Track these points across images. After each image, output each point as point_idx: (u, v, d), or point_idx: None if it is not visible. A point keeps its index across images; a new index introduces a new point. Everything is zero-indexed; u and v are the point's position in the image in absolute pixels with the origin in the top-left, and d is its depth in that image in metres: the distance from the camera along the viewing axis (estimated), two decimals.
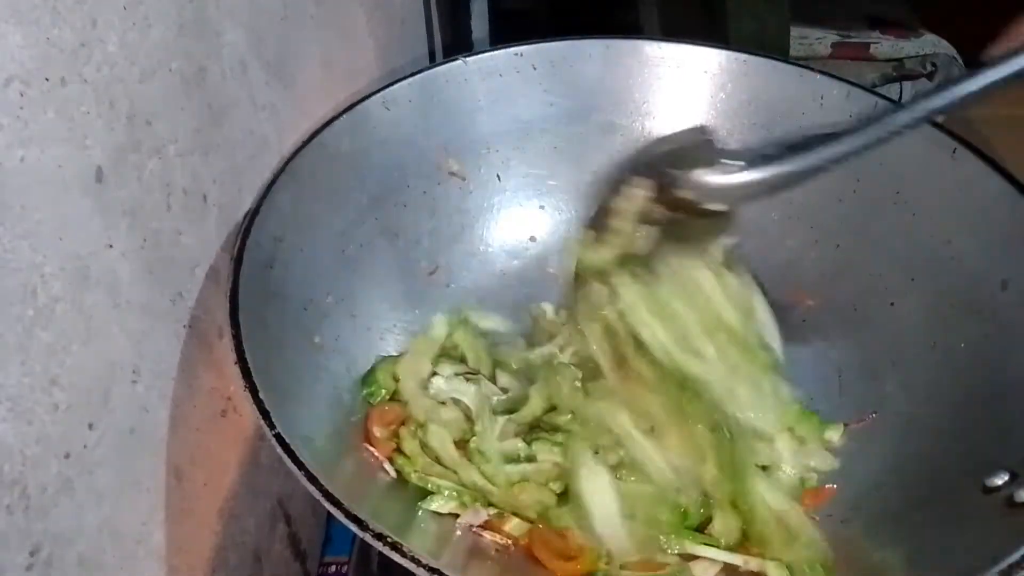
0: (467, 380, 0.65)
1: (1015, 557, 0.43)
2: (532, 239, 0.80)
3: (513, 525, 0.56)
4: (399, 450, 0.59)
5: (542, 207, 0.81)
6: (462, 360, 0.68)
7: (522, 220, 0.80)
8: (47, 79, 0.37)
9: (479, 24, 1.07)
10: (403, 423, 0.61)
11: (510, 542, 0.54)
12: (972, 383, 0.59)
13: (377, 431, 0.59)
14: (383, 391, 0.63)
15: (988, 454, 0.53)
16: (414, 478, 0.57)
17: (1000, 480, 0.51)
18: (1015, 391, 0.55)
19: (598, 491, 0.56)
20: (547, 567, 0.54)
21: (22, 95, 0.35)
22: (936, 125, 0.68)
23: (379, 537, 0.42)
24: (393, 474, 0.57)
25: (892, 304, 0.67)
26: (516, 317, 0.74)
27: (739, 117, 0.77)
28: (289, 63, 0.64)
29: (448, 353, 0.69)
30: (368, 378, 0.64)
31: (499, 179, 0.80)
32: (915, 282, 0.66)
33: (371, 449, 0.59)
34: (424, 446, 0.59)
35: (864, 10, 1.25)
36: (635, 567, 0.55)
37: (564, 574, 0.54)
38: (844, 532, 0.57)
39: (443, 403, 0.64)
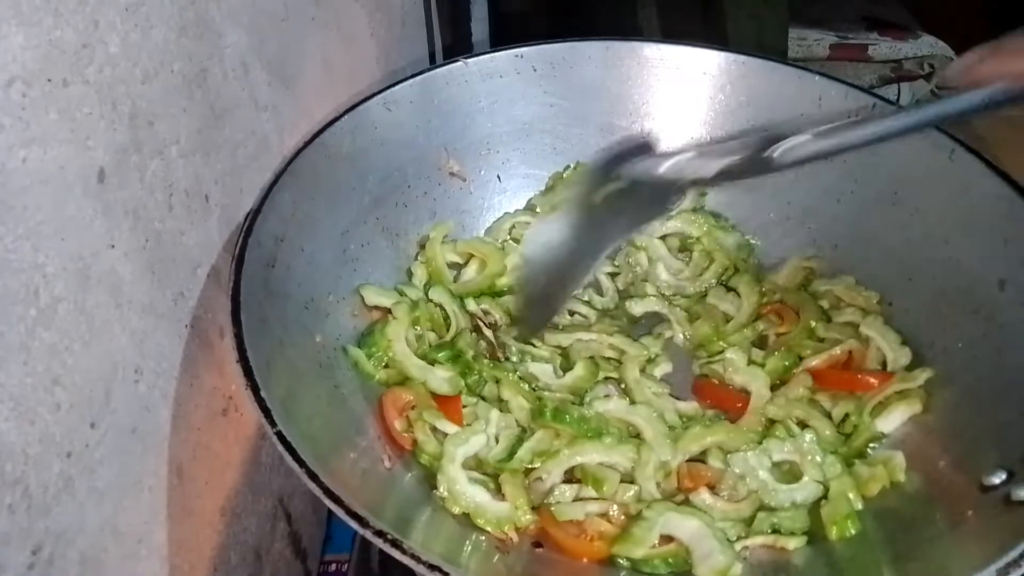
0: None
1: (1013, 555, 0.44)
2: None
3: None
4: (415, 441, 0.60)
5: None
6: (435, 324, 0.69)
7: None
8: (49, 80, 0.37)
9: (479, 26, 1.07)
10: (413, 406, 0.61)
11: (510, 535, 0.54)
12: (970, 382, 0.59)
13: (396, 423, 0.60)
14: (380, 352, 0.63)
15: (986, 453, 0.53)
16: (425, 460, 0.58)
17: (998, 479, 0.51)
18: (1013, 390, 0.55)
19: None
20: (571, 552, 0.55)
21: (24, 96, 0.35)
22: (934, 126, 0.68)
23: (379, 534, 0.42)
24: (389, 465, 0.58)
25: (890, 304, 0.68)
26: None
27: (738, 118, 0.77)
28: (290, 64, 0.65)
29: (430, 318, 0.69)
30: (367, 340, 0.64)
31: (499, 180, 0.80)
32: (913, 282, 0.67)
33: (387, 445, 0.59)
34: (434, 430, 0.60)
35: (862, 12, 1.26)
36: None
37: (589, 557, 0.55)
38: None
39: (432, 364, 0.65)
